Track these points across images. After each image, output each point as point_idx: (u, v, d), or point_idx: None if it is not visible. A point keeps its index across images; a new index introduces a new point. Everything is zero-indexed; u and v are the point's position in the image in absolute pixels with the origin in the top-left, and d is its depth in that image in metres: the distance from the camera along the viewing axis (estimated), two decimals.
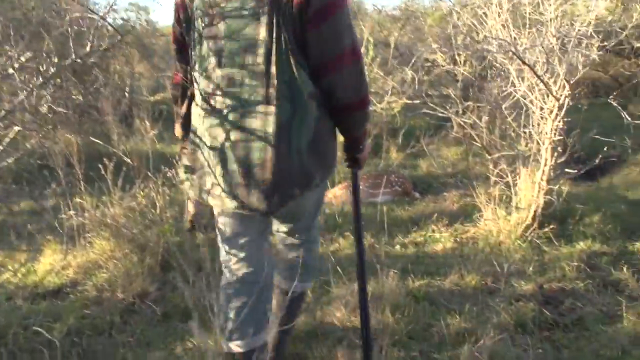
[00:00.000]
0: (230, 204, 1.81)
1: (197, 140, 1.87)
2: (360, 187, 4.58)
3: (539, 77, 3.35)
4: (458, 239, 3.84)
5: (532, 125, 3.79)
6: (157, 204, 3.57)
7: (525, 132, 3.93)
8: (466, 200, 4.38)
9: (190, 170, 1.93)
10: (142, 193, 3.60)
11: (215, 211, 1.95)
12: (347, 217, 4.14)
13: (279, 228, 2.16)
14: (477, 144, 6.14)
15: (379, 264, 3.35)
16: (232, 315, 1.94)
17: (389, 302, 2.79)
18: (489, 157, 4.20)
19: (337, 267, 3.21)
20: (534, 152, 3.72)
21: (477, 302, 2.98)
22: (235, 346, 1.95)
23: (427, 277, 3.29)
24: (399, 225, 4.10)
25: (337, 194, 4.68)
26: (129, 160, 3.73)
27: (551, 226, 3.69)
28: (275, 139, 1.72)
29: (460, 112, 6.08)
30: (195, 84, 1.86)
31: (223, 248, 1.99)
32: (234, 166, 1.76)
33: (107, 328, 2.85)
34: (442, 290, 3.11)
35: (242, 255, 1.94)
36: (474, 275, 3.23)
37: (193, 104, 1.92)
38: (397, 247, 3.78)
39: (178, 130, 2.11)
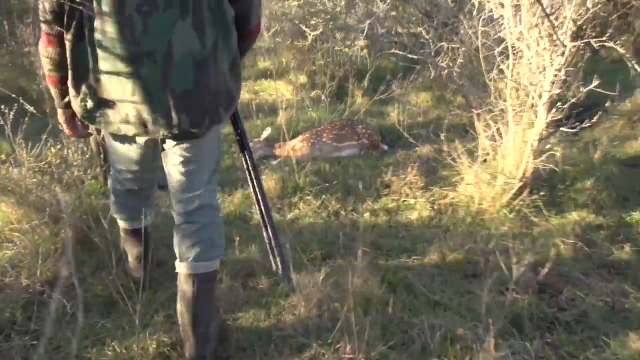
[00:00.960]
0: (153, 129, 1.75)
1: (105, 71, 1.73)
2: (323, 140, 3.96)
3: (547, 15, 2.72)
4: (435, 206, 3.31)
5: (525, 75, 3.20)
6: (75, 162, 2.85)
7: (516, 82, 3.34)
8: (442, 160, 3.81)
9: (95, 102, 1.78)
10: (54, 148, 2.85)
11: (116, 138, 1.93)
12: (308, 176, 3.52)
13: (178, 169, 1.91)
14: (452, 93, 5.64)
15: (344, 237, 2.80)
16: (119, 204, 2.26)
17: (360, 294, 2.25)
18: (472, 110, 3.59)
19: (297, 246, 2.62)
20: (527, 106, 3.14)
21: (462, 290, 2.47)
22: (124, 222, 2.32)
23: (402, 255, 2.76)
24: (367, 187, 3.52)
25: (295, 147, 4.03)
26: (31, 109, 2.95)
27: (541, 193, 3.19)
28: (204, 62, 1.72)
29: (433, 53, 5.48)
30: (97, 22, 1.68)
31: (115, 167, 2.10)
32: (160, 93, 1.71)
33: (6, 326, 2.20)
34: (421, 274, 2.59)
35: (135, 176, 2.09)
36: (456, 254, 2.72)
37: (95, 45, 1.72)
38: (366, 215, 3.21)
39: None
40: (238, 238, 2.85)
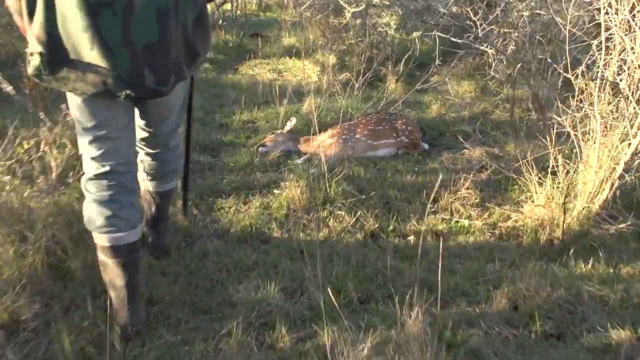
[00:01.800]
0: (114, 88, 1.61)
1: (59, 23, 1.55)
2: (357, 136, 3.29)
3: None
4: (496, 231, 2.65)
5: (620, 72, 2.50)
6: (53, 163, 2.23)
7: (597, 80, 2.63)
8: (498, 169, 3.13)
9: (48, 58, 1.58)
10: (27, 144, 2.24)
11: (76, 100, 1.69)
12: (340, 184, 2.87)
13: (144, 129, 1.97)
14: (497, 83, 4.90)
15: (386, 269, 2.17)
16: (102, 208, 1.77)
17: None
18: (539, 110, 2.90)
19: (328, 283, 2.00)
20: (622, 114, 2.45)
21: None
22: (108, 240, 1.78)
23: (460, 300, 2.13)
24: (411, 201, 2.86)
25: (324, 143, 3.37)
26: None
27: (628, 222, 2.51)
28: (168, 13, 1.61)
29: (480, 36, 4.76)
30: None
31: (84, 139, 1.76)
32: (121, 47, 1.57)
33: None
34: (489, 332, 1.95)
35: (110, 145, 1.75)
36: (531, 303, 2.08)
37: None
38: (411, 238, 2.57)
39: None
40: (254, 269, 2.24)
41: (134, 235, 1.81)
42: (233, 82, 4.84)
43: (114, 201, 1.77)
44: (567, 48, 2.53)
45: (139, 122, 1.94)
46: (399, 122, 3.58)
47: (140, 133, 1.99)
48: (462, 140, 3.72)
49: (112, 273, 1.81)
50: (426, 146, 3.72)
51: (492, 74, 4.89)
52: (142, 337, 1.85)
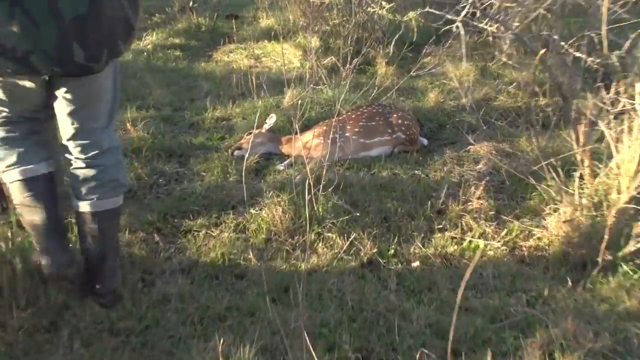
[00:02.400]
0: (39, 65, 1.48)
1: None
2: (347, 135, 2.80)
3: None
4: (516, 252, 2.21)
5: None
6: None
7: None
8: (509, 166, 2.68)
9: None
10: None
11: None
12: (329, 198, 2.39)
13: (72, 113, 1.66)
14: (501, 65, 4.41)
15: (388, 312, 1.73)
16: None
17: None
18: (566, 101, 2.44)
19: (317, 333, 1.56)
20: None
21: None
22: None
23: (483, 351, 1.69)
24: (413, 215, 2.40)
25: (309, 144, 2.88)
26: None
27: None
28: None
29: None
30: None
31: None
32: (47, 19, 1.42)
33: None
34: None
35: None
36: (570, 355, 1.64)
37: None
38: (416, 264, 2.12)
39: None
40: (225, 319, 1.79)
41: (46, 167, 1.71)
42: (206, 72, 4.29)
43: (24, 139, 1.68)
44: (603, 28, 2.05)
45: (62, 114, 1.67)
46: (394, 115, 3.09)
47: (66, 130, 1.69)
48: (465, 133, 3.26)
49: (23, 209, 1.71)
50: (425, 141, 3.24)
51: (497, 54, 4.43)
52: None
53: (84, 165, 1.73)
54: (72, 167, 1.75)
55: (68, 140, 1.71)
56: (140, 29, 5.39)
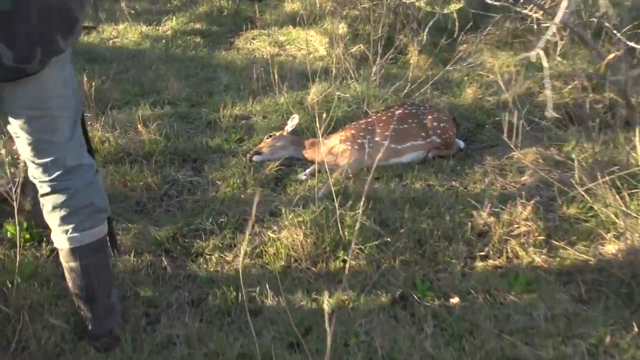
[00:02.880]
0: None
1: None
2: (376, 139, 2.50)
3: None
4: (572, 286, 1.89)
5: None
6: None
7: None
8: (559, 182, 2.34)
9: None
10: None
11: None
12: (356, 218, 2.10)
13: (23, 125, 1.40)
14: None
15: None
16: None
17: None
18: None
19: None
20: None
21: None
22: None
23: None
24: (450, 236, 2.09)
25: (335, 149, 2.60)
26: None
27: None
28: None
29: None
30: None
31: None
32: None
33: None
34: None
35: None
36: None
37: None
38: (455, 301, 1.83)
39: None
40: None
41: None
42: (226, 62, 4.00)
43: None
44: None
45: (13, 128, 1.43)
46: (429, 117, 2.77)
47: (21, 146, 1.45)
48: (506, 136, 2.92)
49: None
50: (462, 144, 2.92)
51: (536, 45, 4.02)
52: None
53: (49, 189, 1.48)
54: (39, 194, 1.51)
55: (27, 158, 1.47)
56: (160, 12, 5.13)
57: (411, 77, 3.76)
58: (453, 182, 2.49)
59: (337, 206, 2.00)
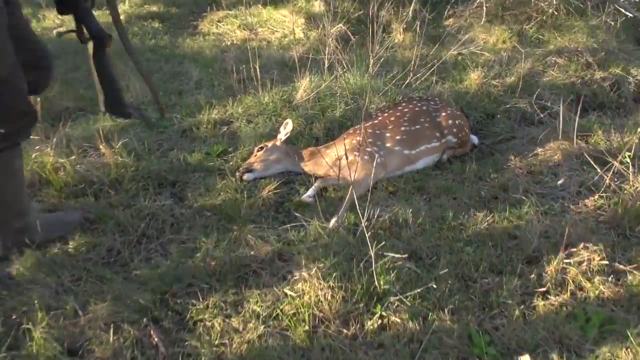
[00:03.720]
0: None
1: None
2: (388, 145, 2.01)
3: None
4: None
5: None
6: None
7: None
8: (601, 177, 1.99)
9: None
10: None
11: None
12: (386, 246, 1.68)
13: None
14: (537, 27, 3.57)
15: None
16: None
17: None
18: None
19: None
20: None
21: None
22: None
23: None
24: (498, 268, 1.71)
25: (342, 162, 2.15)
26: None
27: None
28: None
29: None
30: None
31: None
32: None
33: None
34: None
35: None
36: None
37: None
38: (524, 358, 1.45)
39: None
40: None
41: None
42: (193, 51, 3.43)
43: None
44: None
45: None
46: (442, 114, 2.35)
47: None
48: (518, 124, 2.58)
49: None
50: (476, 140, 2.52)
51: (534, 15, 3.64)
52: None
53: None
54: None
55: None
56: None
57: (401, 59, 3.33)
58: (482, 192, 2.10)
59: (370, 247, 1.57)
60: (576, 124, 2.26)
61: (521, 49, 3.20)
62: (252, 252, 1.74)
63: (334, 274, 1.56)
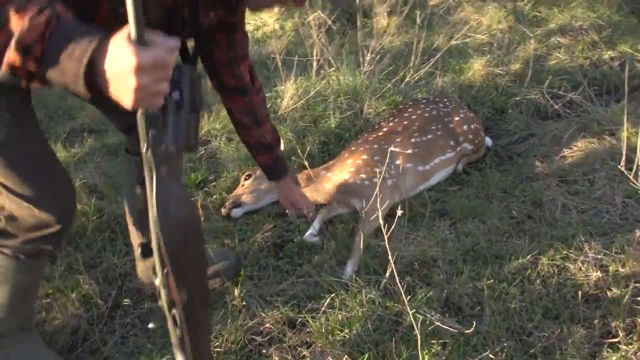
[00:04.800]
0: None
1: None
2: (398, 163, 1.72)
3: None
4: None
5: None
6: None
7: None
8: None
9: None
10: None
11: None
12: (425, 308, 1.36)
13: None
14: (532, 5, 3.23)
15: None
16: None
17: None
18: None
19: None
20: None
21: None
22: None
23: None
24: (552, 313, 1.42)
25: (346, 186, 1.80)
26: None
27: None
28: None
29: None
30: None
31: None
32: None
33: None
34: None
35: None
36: None
37: None
38: None
39: None
40: None
41: None
42: None
43: None
44: None
45: None
46: (455, 118, 2.01)
47: None
48: (532, 119, 2.27)
49: None
50: (490, 142, 2.21)
51: None
52: None
53: None
54: None
55: None
56: None
57: (389, 48, 2.97)
58: (513, 211, 1.79)
59: (405, 302, 1.24)
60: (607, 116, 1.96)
61: (524, 29, 2.88)
62: (256, 320, 1.39)
63: (361, 342, 1.23)
